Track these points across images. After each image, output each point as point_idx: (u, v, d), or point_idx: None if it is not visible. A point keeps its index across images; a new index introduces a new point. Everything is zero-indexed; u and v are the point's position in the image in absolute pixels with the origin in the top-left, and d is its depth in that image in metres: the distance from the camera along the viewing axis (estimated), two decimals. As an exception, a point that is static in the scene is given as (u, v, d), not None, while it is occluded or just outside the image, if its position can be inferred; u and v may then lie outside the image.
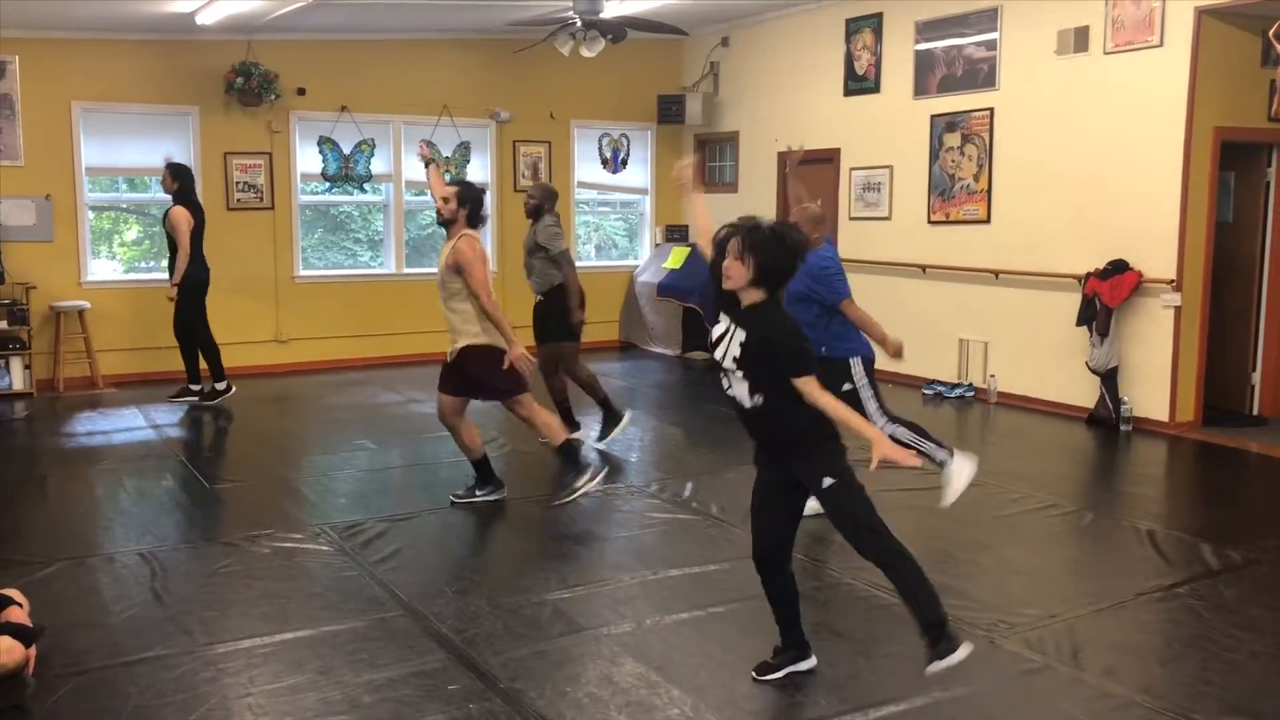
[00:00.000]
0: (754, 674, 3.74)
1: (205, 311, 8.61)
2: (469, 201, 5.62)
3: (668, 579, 4.71)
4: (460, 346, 5.61)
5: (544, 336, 7.01)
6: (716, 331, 3.57)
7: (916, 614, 3.42)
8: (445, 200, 5.62)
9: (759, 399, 3.47)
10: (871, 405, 5.29)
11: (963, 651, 3.37)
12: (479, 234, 5.70)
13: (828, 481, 3.44)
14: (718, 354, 3.55)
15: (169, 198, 8.58)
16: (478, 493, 5.89)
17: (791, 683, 3.69)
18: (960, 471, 5.22)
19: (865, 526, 3.45)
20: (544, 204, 7.08)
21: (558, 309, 6.96)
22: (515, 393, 5.66)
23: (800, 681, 3.70)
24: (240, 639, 4.05)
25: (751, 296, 3.45)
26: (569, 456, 5.79)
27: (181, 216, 8.36)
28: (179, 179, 8.50)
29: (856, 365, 5.30)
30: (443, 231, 5.85)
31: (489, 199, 11.27)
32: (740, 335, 3.45)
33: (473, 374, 5.62)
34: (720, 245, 3.48)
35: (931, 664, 3.38)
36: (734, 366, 3.48)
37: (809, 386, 3.36)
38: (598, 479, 5.77)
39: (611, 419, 7.12)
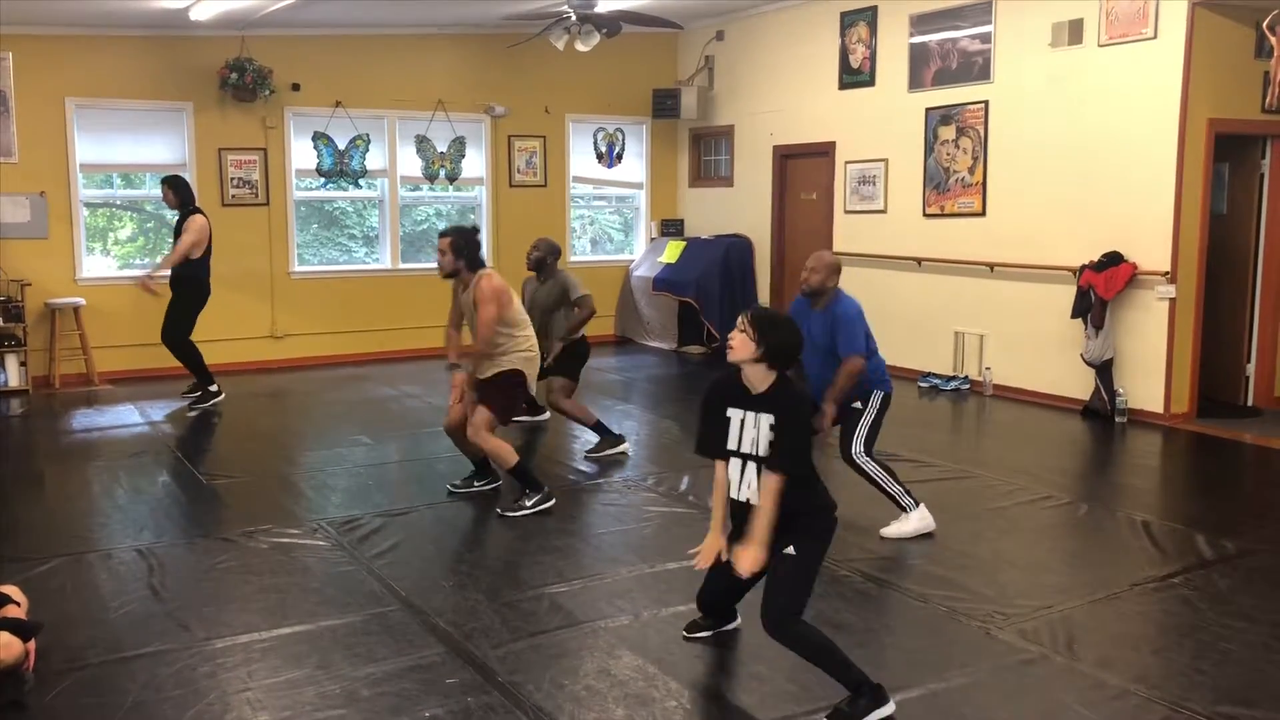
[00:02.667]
0: (683, 632, 3.98)
1: (193, 322, 8.47)
2: (464, 252, 5.65)
3: (664, 572, 4.72)
4: (503, 370, 5.66)
5: (548, 371, 6.92)
6: (732, 428, 3.53)
7: (836, 677, 3.38)
8: (442, 253, 5.66)
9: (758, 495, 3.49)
10: (864, 433, 5.26)
11: (888, 709, 3.35)
12: (494, 273, 5.72)
13: (790, 550, 3.44)
14: (739, 446, 3.53)
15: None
16: (475, 482, 5.95)
17: (789, 675, 3.70)
18: (918, 521, 5.23)
19: (792, 610, 3.41)
20: (548, 258, 7.08)
21: (575, 354, 6.97)
22: (496, 417, 5.65)
23: (796, 673, 3.71)
24: (238, 634, 4.05)
25: (762, 377, 3.46)
26: (525, 478, 5.66)
27: (200, 224, 8.26)
28: (178, 192, 8.43)
29: (877, 397, 5.27)
30: None
31: (483, 193, 11.28)
32: (768, 419, 3.45)
33: (494, 389, 5.66)
34: None
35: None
36: (768, 452, 3.46)
37: (775, 482, 3.42)
38: (546, 504, 5.62)
39: (609, 439, 6.99)
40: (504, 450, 5.64)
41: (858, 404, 5.24)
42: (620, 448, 6.90)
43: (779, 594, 3.42)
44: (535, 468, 6.12)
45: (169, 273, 8.40)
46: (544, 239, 7.26)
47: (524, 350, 5.75)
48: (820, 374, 5.23)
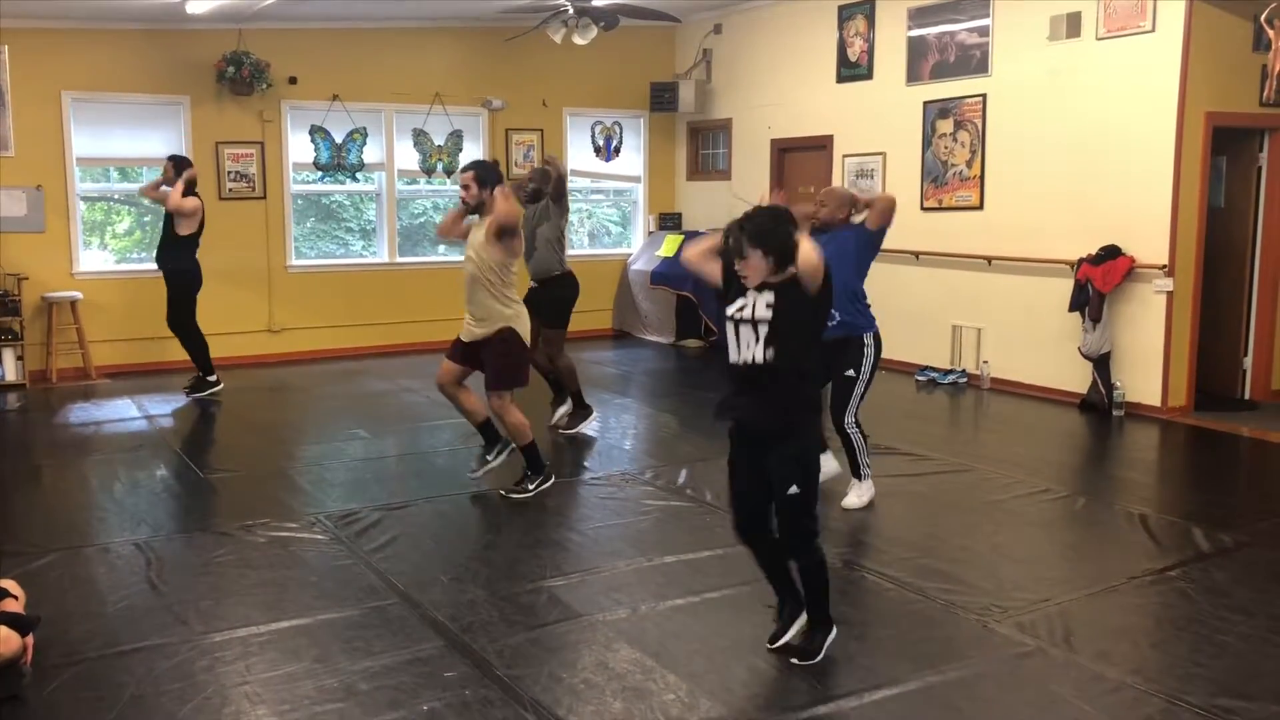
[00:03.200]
0: (768, 645, 3.85)
1: (195, 306, 8.52)
2: (489, 182, 5.57)
3: (663, 565, 4.72)
4: (500, 327, 5.59)
5: (536, 313, 6.99)
6: (736, 303, 3.67)
7: (813, 612, 3.80)
8: (466, 187, 5.57)
9: (770, 353, 3.58)
10: (855, 402, 5.43)
11: (833, 635, 3.79)
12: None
13: (793, 490, 3.63)
14: (740, 314, 3.64)
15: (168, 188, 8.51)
16: (488, 459, 5.94)
17: (786, 667, 3.71)
18: (868, 489, 5.57)
19: (815, 530, 3.73)
20: (544, 187, 7.06)
21: (553, 296, 7.00)
22: (506, 384, 5.67)
23: (794, 667, 3.72)
24: (236, 628, 4.05)
25: (773, 274, 3.59)
26: (531, 457, 5.74)
27: (196, 205, 8.30)
28: (181, 170, 8.43)
29: (869, 343, 5.36)
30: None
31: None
32: (768, 297, 3.58)
33: (492, 352, 5.63)
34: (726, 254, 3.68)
35: (808, 658, 3.71)
36: (766, 315, 3.57)
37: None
38: (546, 485, 5.74)
39: (582, 412, 7.18)
40: (523, 427, 5.70)
41: (850, 372, 5.37)
42: (592, 419, 7.08)
43: (797, 522, 3.68)
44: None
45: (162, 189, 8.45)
46: (536, 169, 7.36)
47: (512, 305, 5.63)
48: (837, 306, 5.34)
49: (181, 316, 8.46)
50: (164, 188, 8.45)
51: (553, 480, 5.81)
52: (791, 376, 3.62)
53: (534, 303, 7.00)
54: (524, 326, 5.74)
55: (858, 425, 5.48)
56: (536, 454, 5.77)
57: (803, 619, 3.85)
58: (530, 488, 5.68)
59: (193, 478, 6.26)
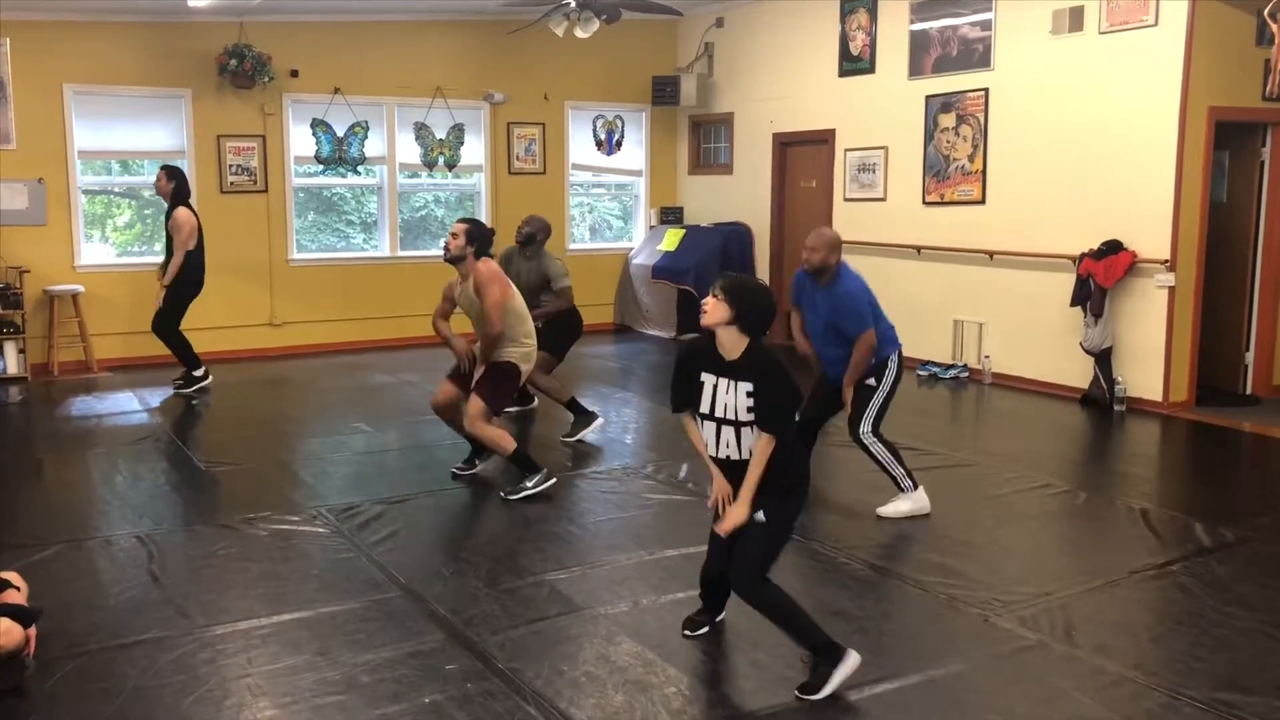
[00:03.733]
0: (684, 631, 3.92)
1: (184, 313, 8.48)
2: (477, 241, 5.71)
3: (664, 559, 4.73)
4: (504, 361, 5.72)
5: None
6: (705, 392, 3.56)
7: (802, 644, 3.54)
8: (454, 236, 5.70)
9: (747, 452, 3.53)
10: (873, 414, 5.29)
11: (850, 663, 3.48)
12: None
13: (760, 516, 3.52)
14: (712, 410, 3.55)
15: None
16: (476, 462, 6.04)
17: (788, 662, 3.71)
18: (914, 501, 5.32)
19: (755, 569, 3.53)
20: (538, 234, 7.12)
21: (556, 326, 7.04)
22: (487, 397, 5.67)
23: (794, 660, 3.71)
24: (238, 620, 4.06)
25: (735, 342, 3.49)
26: (524, 463, 5.68)
27: (187, 220, 8.27)
28: (174, 179, 8.41)
29: (890, 372, 5.31)
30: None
31: (482, 180, 11.26)
32: (745, 386, 3.47)
33: (487, 373, 5.72)
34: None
35: (808, 691, 3.45)
36: (747, 418, 3.48)
37: (766, 444, 3.47)
38: (547, 484, 5.67)
39: (583, 419, 7.02)
40: (502, 439, 5.67)
41: (871, 381, 5.28)
42: (596, 424, 6.98)
43: (746, 553, 3.54)
44: (528, 450, 6.12)
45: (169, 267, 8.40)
46: (537, 216, 7.32)
47: (523, 345, 5.80)
48: (826, 348, 5.31)
49: (166, 321, 8.38)
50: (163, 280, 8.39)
51: (554, 480, 5.72)
52: (777, 463, 3.51)
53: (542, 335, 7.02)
54: (525, 364, 5.82)
55: (878, 437, 5.29)
56: (527, 458, 5.70)
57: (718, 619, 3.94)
58: (529, 485, 5.60)
59: (194, 471, 6.27)
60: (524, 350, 5.81)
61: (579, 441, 6.85)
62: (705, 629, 3.96)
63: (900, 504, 5.31)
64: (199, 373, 8.50)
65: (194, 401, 8.21)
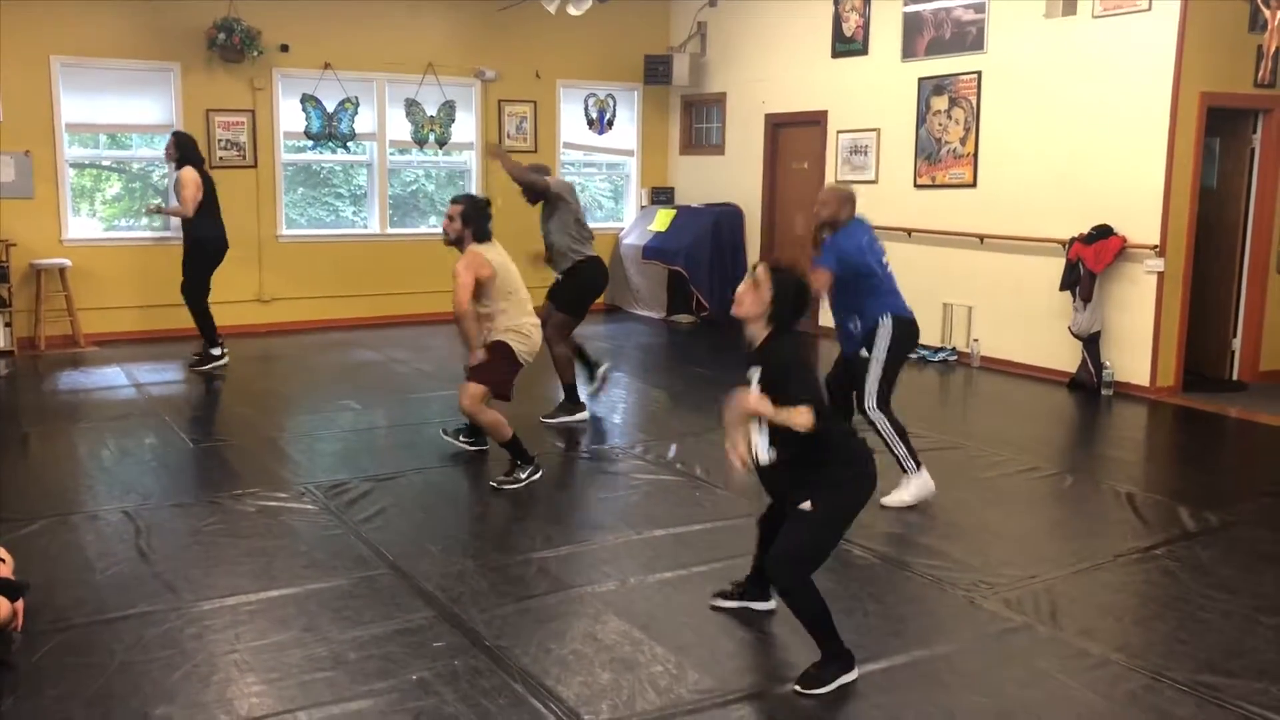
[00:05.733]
0: (710, 601, 3.93)
1: (206, 282, 8.41)
2: (472, 220, 5.64)
3: (652, 539, 4.74)
4: (494, 340, 5.66)
5: (551, 295, 6.95)
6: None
7: (818, 643, 3.43)
8: (450, 219, 5.65)
9: (773, 452, 3.42)
10: (874, 386, 5.16)
11: (854, 674, 3.42)
12: (490, 246, 5.69)
13: (806, 505, 3.38)
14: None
15: (154, 154, 8.45)
16: (462, 437, 6.07)
17: (775, 641, 3.73)
18: (919, 486, 5.20)
19: (789, 557, 3.40)
20: (536, 184, 6.94)
21: (569, 284, 6.91)
22: (482, 378, 5.60)
23: (784, 640, 3.74)
24: (225, 596, 4.06)
25: (760, 330, 3.43)
26: (517, 452, 5.60)
27: (190, 179, 8.19)
28: (181, 148, 8.35)
29: (885, 324, 5.20)
30: None
31: (473, 158, 11.21)
32: (757, 371, 3.41)
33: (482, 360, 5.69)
34: None
35: (809, 686, 3.39)
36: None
37: (801, 413, 3.24)
38: (536, 476, 5.57)
39: (571, 405, 6.94)
40: (499, 424, 5.57)
41: (864, 351, 5.21)
42: (579, 415, 6.87)
43: (786, 538, 3.43)
44: (517, 429, 6.11)
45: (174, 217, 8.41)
46: (529, 171, 7.05)
47: (514, 326, 5.67)
48: (836, 312, 5.36)
49: (190, 292, 8.32)
50: (172, 202, 8.37)
51: (540, 474, 5.60)
52: (801, 461, 3.38)
53: (553, 291, 6.95)
54: (521, 346, 5.69)
55: (884, 412, 5.17)
56: (520, 446, 5.61)
57: (755, 605, 3.90)
58: (521, 476, 5.52)
59: (182, 446, 6.25)
60: (516, 331, 5.67)
61: (556, 424, 6.77)
62: (733, 603, 3.92)
63: (903, 493, 5.16)
64: (216, 351, 8.41)
65: (204, 383, 8.08)
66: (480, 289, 5.58)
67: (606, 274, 7.22)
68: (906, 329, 5.31)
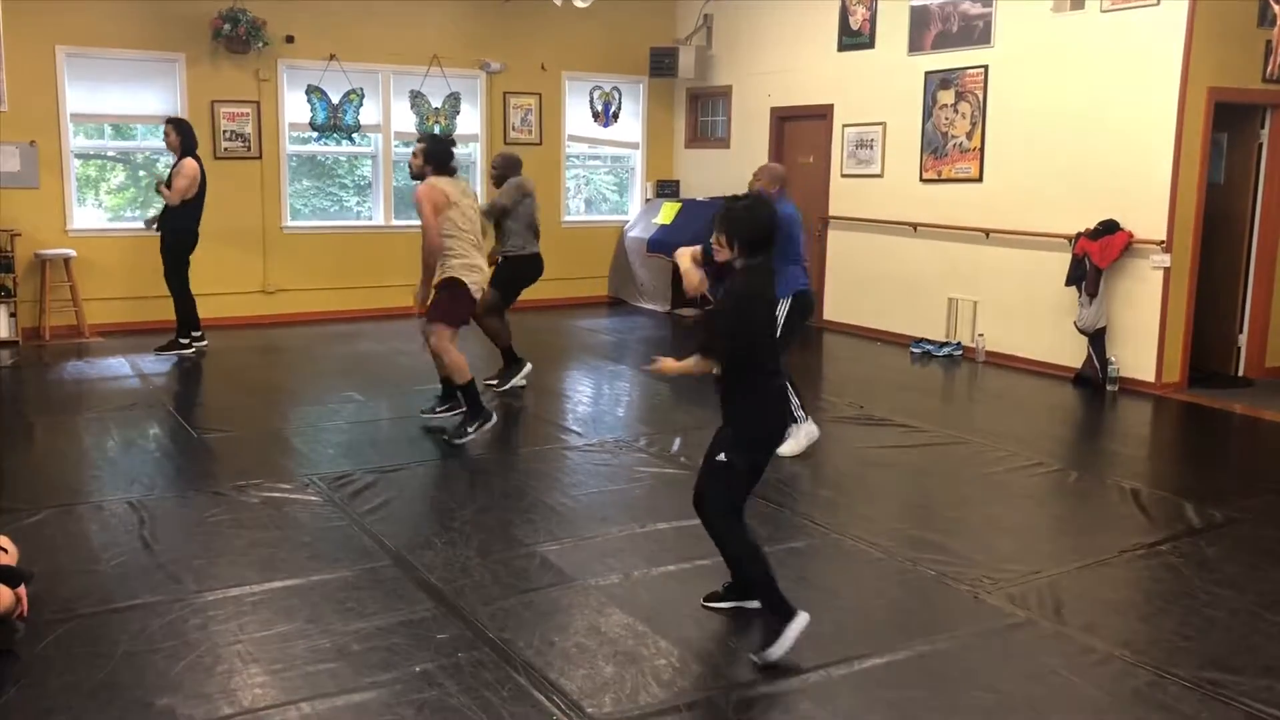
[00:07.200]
0: (702, 602, 3.94)
1: (185, 264, 8.57)
2: (433, 157, 6.09)
3: (655, 532, 4.74)
4: (444, 278, 6.07)
5: (493, 282, 7.24)
6: None
7: (756, 594, 3.69)
8: (414, 156, 6.13)
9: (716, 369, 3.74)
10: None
11: (799, 622, 3.53)
12: (452, 180, 6.10)
13: (721, 457, 3.66)
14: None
15: (159, 145, 8.47)
16: (437, 410, 6.46)
17: (776, 635, 3.72)
18: (806, 435, 5.87)
19: (701, 493, 3.73)
20: (507, 173, 7.47)
21: (512, 275, 7.40)
22: (440, 316, 6.00)
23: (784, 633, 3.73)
24: (229, 587, 4.06)
25: (741, 263, 3.67)
26: (471, 399, 6.01)
27: (192, 169, 8.28)
28: (181, 134, 8.39)
29: (784, 305, 5.61)
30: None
31: (478, 150, 11.19)
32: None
33: (436, 298, 6.10)
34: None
35: (765, 649, 3.52)
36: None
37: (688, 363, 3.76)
38: (488, 425, 6.03)
39: (513, 368, 7.41)
40: (463, 366, 6.00)
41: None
42: (525, 369, 7.36)
43: (698, 480, 3.77)
44: (520, 421, 6.14)
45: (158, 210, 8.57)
46: (502, 154, 7.76)
47: (466, 261, 6.04)
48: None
49: (170, 277, 8.51)
50: (164, 189, 8.42)
51: (493, 421, 6.03)
52: (727, 380, 3.70)
53: (495, 272, 7.29)
54: (472, 279, 6.05)
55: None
56: (476, 396, 6.03)
57: (744, 603, 3.90)
58: (470, 430, 5.94)
59: (186, 437, 6.25)
60: (463, 263, 6.02)
61: (508, 389, 7.18)
62: (726, 604, 3.93)
63: (795, 442, 5.75)
64: (185, 340, 8.51)
65: (185, 361, 8.24)
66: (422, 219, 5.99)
67: (542, 269, 7.66)
68: (803, 302, 5.86)
